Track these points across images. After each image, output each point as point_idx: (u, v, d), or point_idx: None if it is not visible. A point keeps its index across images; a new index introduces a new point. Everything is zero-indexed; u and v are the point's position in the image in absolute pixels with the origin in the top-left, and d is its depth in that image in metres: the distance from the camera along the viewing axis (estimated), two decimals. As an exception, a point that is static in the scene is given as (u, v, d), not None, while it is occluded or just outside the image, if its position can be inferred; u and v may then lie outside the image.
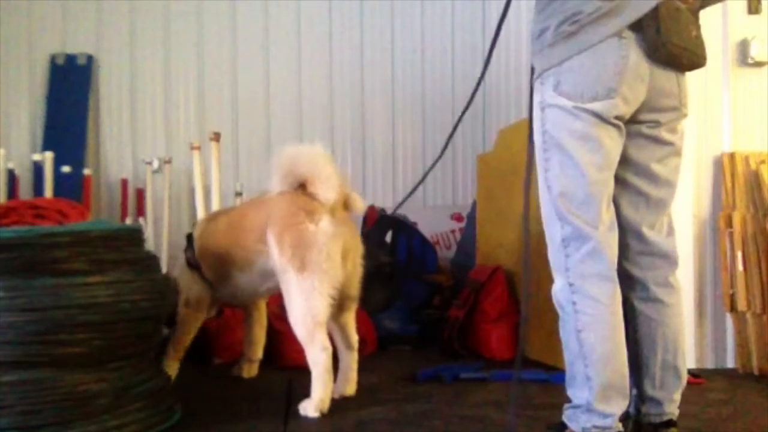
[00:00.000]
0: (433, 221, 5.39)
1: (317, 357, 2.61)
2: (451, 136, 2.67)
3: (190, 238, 3.12)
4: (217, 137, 4.44)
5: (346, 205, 2.74)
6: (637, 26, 1.93)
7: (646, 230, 2.09)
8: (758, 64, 3.40)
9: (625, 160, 2.04)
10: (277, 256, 2.66)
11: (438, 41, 5.69)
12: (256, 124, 5.57)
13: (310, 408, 2.60)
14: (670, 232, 2.13)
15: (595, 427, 1.93)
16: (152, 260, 2.57)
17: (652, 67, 1.96)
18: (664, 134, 2.05)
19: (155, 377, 2.46)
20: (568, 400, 2.03)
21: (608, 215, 2.00)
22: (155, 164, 5.20)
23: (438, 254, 4.85)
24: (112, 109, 5.49)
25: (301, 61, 5.64)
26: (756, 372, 3.19)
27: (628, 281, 2.09)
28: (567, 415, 2.02)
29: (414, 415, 2.62)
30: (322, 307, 2.61)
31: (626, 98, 1.94)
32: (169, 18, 5.53)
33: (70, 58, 5.39)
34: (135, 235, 2.51)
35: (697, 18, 2.04)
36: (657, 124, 2.04)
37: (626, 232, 2.08)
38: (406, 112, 5.67)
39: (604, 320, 1.94)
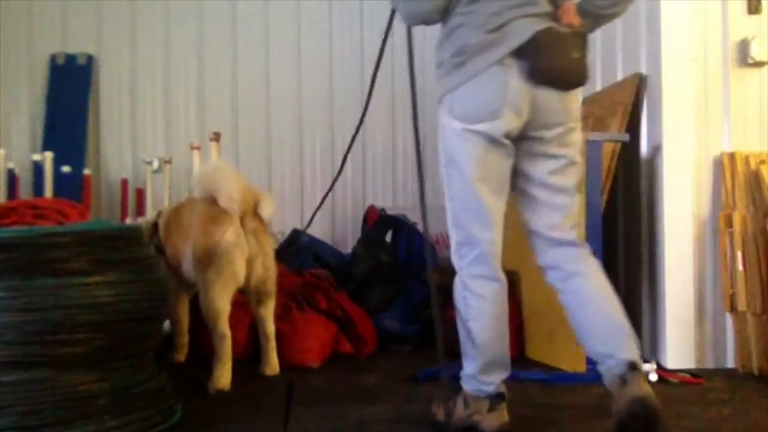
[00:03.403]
0: (433, 221, 5.37)
1: (216, 343, 2.99)
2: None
3: (155, 226, 3.40)
4: (217, 137, 4.44)
5: (257, 210, 3.07)
6: (518, 53, 2.13)
7: (548, 231, 2.28)
8: (758, 64, 3.39)
9: (522, 174, 2.29)
10: (191, 256, 3.06)
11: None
12: (256, 124, 5.56)
13: (210, 386, 2.94)
14: (573, 226, 2.30)
15: (480, 390, 2.28)
16: (152, 260, 2.57)
17: (533, 89, 2.15)
18: (554, 149, 2.24)
19: (155, 377, 2.45)
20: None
21: (497, 225, 2.26)
22: (155, 164, 5.19)
23: (438, 254, 4.84)
24: (112, 109, 5.48)
25: (301, 61, 5.64)
26: (756, 372, 3.18)
27: (545, 272, 2.32)
28: (462, 380, 2.33)
29: (414, 415, 2.61)
30: (221, 302, 3.00)
31: (509, 119, 2.16)
32: (169, 18, 5.52)
33: (70, 58, 5.39)
34: (135, 235, 2.51)
35: (583, 40, 2.21)
36: (545, 140, 2.23)
37: (531, 234, 2.33)
38: (406, 112, 5.60)
39: (488, 314, 2.25)
